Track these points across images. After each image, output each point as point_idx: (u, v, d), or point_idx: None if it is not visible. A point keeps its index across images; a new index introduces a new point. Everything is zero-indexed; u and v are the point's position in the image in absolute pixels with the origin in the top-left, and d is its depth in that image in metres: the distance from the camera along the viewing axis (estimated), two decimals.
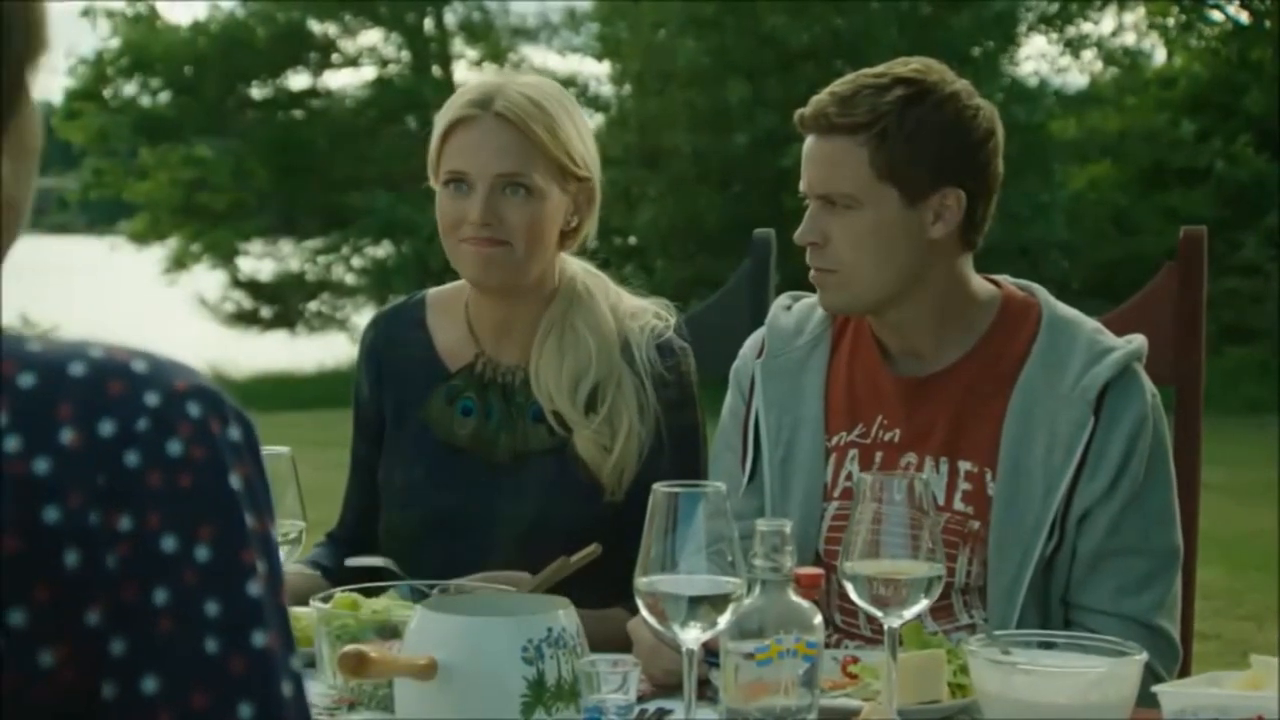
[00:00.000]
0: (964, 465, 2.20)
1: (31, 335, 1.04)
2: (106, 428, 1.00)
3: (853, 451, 2.25)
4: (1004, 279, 2.31)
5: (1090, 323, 2.24)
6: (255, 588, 1.01)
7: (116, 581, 0.99)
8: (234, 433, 1.04)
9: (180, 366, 1.05)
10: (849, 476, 2.23)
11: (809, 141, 2.21)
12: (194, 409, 1.02)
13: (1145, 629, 2.12)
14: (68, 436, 0.99)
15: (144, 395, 1.01)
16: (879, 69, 2.20)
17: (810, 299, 2.36)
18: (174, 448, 1.01)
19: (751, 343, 2.39)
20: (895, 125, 2.14)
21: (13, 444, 0.98)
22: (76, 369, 1.01)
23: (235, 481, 1.02)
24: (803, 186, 2.22)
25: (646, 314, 2.44)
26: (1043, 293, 2.28)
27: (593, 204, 2.40)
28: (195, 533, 1.00)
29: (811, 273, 2.24)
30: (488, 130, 2.32)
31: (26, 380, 1.00)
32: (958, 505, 2.18)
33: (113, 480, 0.99)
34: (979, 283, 2.28)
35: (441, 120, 2.37)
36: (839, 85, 2.20)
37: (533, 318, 2.42)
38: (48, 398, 1.00)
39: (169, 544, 0.99)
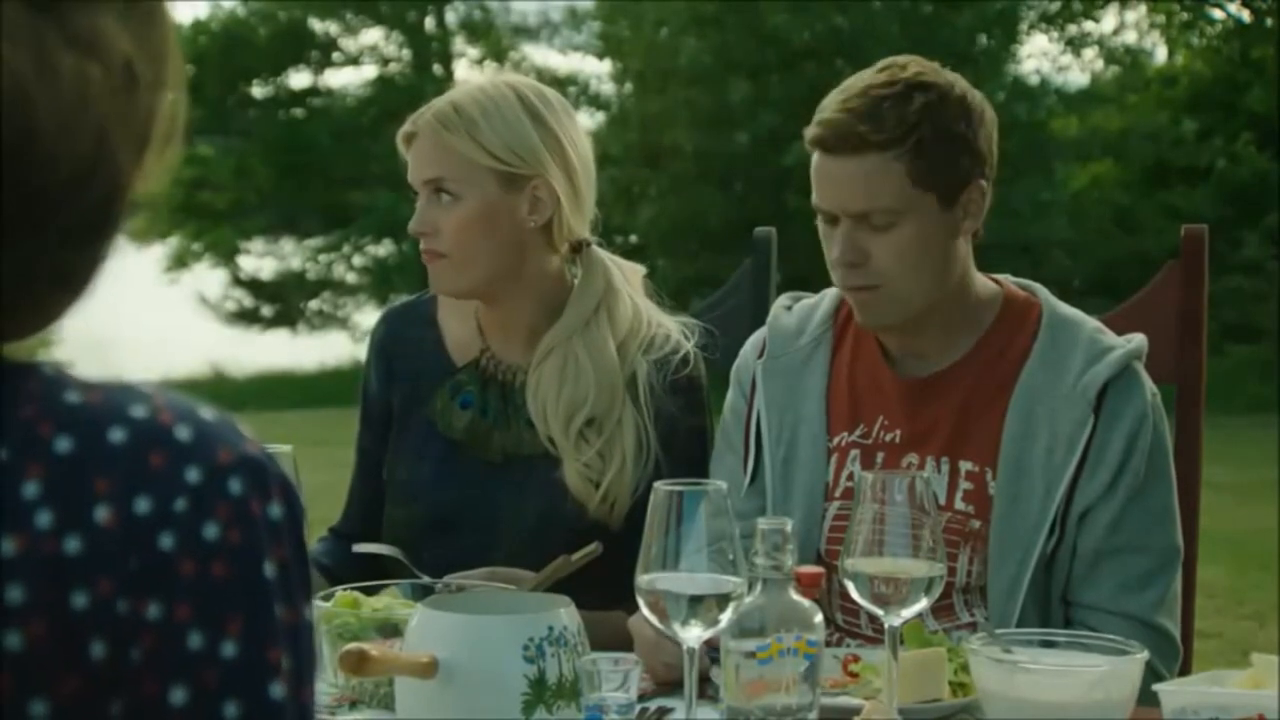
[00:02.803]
0: (965, 465, 2.19)
1: (69, 376, 0.98)
2: (143, 505, 0.94)
3: (854, 452, 2.25)
4: (1005, 278, 2.31)
5: (1091, 322, 2.24)
6: (278, 689, 0.97)
7: (138, 675, 0.94)
8: (275, 510, 0.98)
9: (227, 431, 0.99)
10: (850, 477, 2.22)
11: (833, 161, 2.15)
12: (235, 486, 0.97)
13: (1146, 627, 2.12)
14: (102, 515, 0.93)
15: (185, 471, 0.96)
16: (881, 77, 2.16)
17: (811, 299, 2.35)
18: (210, 531, 0.96)
19: (752, 342, 2.38)
20: (929, 133, 2.12)
21: (44, 520, 0.93)
22: (117, 435, 0.95)
23: (270, 569, 0.97)
24: (828, 205, 2.17)
25: (665, 342, 2.40)
26: (1043, 292, 2.28)
27: (556, 198, 2.35)
28: (223, 627, 0.95)
29: (851, 293, 2.20)
30: (419, 142, 2.38)
31: (63, 445, 0.94)
32: (959, 505, 2.18)
33: (145, 565, 0.94)
34: (981, 282, 2.27)
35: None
36: (853, 100, 2.14)
37: (534, 319, 2.41)
38: (84, 469, 0.94)
39: (195, 640, 0.95)
